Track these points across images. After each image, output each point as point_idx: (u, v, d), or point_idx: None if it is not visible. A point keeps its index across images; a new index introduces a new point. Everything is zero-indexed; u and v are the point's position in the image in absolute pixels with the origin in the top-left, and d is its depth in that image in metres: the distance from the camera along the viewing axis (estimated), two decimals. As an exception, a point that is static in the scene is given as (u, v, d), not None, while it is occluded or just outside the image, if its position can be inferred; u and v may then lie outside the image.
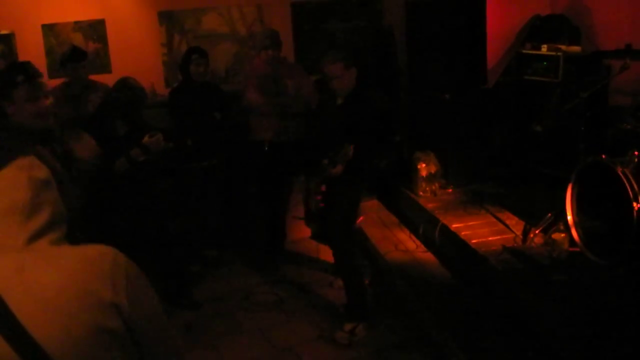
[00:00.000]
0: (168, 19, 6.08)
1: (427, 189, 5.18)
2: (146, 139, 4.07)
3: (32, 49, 5.56)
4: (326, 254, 4.87)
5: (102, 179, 4.01)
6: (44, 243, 1.36)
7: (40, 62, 5.71)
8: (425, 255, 4.68)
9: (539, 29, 5.60)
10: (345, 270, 4.03)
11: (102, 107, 4.28)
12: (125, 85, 4.15)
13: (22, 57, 5.68)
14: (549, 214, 4.01)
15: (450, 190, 5.28)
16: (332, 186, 3.84)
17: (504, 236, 4.20)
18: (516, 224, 4.36)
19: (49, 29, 5.80)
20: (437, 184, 5.21)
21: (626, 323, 3.03)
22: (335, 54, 3.88)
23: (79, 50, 5.01)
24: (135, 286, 1.37)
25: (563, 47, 5.02)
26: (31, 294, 1.27)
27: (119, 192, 4.03)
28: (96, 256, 1.37)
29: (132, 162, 4.02)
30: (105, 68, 5.89)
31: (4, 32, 5.64)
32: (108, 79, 5.15)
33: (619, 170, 3.39)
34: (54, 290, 1.29)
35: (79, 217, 1.54)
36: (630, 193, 3.29)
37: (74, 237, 1.46)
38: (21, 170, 1.38)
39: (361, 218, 4.98)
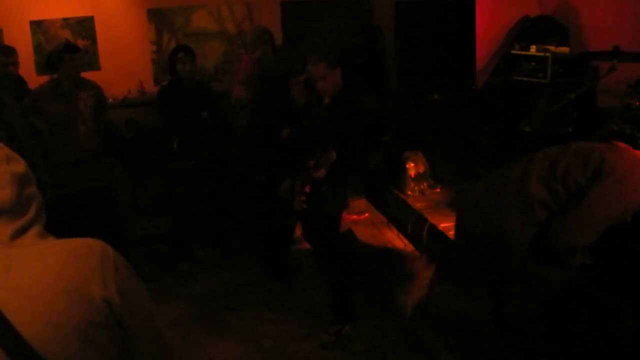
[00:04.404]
0: (157, 17, 6.06)
1: (416, 188, 5.19)
2: None
3: (20, 45, 5.50)
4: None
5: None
6: (30, 237, 1.33)
7: (28, 58, 5.69)
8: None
9: (527, 29, 5.64)
10: (327, 273, 3.99)
11: None
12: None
13: (9, 54, 5.64)
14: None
15: (438, 189, 5.29)
16: (316, 188, 3.78)
17: (492, 236, 4.20)
18: (504, 224, 4.37)
19: (37, 26, 5.76)
20: (425, 184, 5.22)
21: (617, 323, 3.04)
22: (318, 54, 3.73)
23: (73, 44, 4.96)
24: (125, 279, 1.34)
25: (551, 47, 5.05)
26: (19, 292, 1.25)
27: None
28: (84, 250, 1.33)
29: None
30: (94, 65, 5.85)
31: (-8, 28, 5.60)
32: (96, 77, 5.13)
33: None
34: (41, 286, 1.26)
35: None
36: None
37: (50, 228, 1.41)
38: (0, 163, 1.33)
39: (355, 217, 4.97)
